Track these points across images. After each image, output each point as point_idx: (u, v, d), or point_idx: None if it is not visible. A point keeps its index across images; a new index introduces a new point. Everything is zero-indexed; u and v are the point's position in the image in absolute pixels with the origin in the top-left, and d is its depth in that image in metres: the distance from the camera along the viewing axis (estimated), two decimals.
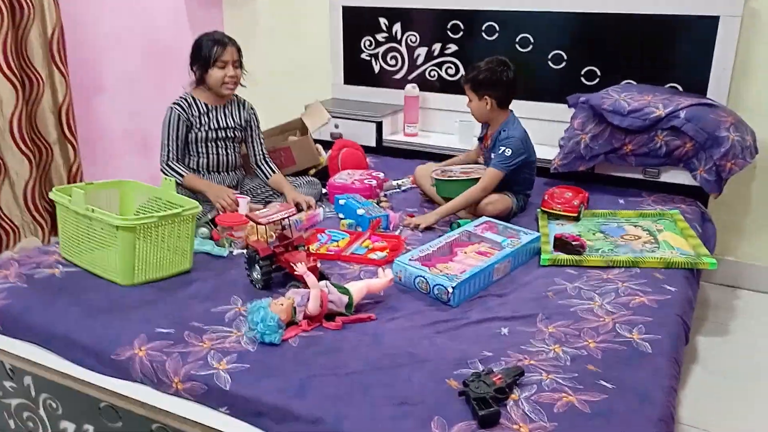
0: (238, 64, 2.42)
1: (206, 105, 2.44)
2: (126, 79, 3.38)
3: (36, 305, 1.74)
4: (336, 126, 3.28)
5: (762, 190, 2.85)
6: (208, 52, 2.35)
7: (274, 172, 2.56)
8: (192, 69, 2.42)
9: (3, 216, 2.84)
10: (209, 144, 2.45)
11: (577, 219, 2.40)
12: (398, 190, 2.80)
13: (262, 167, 2.57)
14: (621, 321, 1.68)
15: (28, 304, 1.74)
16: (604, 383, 1.40)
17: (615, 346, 1.56)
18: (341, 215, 2.45)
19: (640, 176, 2.72)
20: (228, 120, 2.48)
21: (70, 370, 1.62)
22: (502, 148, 2.39)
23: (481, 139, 2.64)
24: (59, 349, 1.64)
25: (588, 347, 1.56)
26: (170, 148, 2.40)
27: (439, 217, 2.35)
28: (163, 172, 2.39)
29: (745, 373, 2.30)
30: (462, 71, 3.24)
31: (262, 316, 1.56)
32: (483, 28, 3.14)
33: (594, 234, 2.28)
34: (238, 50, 2.43)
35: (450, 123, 3.27)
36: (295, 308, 1.64)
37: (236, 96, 2.52)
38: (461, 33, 3.20)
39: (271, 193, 2.53)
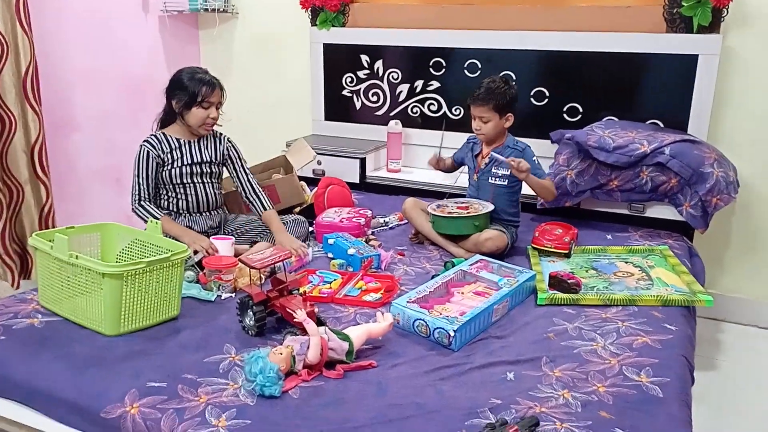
0: (220, 105, 2.39)
1: (178, 140, 2.37)
2: (100, 116, 3.30)
3: (16, 359, 1.63)
4: (319, 162, 3.24)
5: (742, 223, 2.90)
6: (196, 91, 2.30)
7: (266, 208, 2.46)
8: (170, 102, 2.36)
9: None
10: (186, 182, 2.37)
11: (568, 256, 2.39)
12: (386, 227, 2.76)
13: (254, 201, 2.47)
14: (627, 363, 1.65)
15: (7, 358, 1.64)
16: None
17: (625, 391, 1.53)
18: (331, 255, 2.40)
19: (625, 211, 2.74)
20: (203, 154, 2.40)
21: (55, 430, 1.51)
22: (528, 159, 2.42)
23: (476, 156, 2.59)
24: (42, 407, 1.54)
25: (598, 392, 1.52)
26: (141, 188, 2.32)
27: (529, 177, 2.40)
28: (136, 213, 2.31)
29: (741, 407, 2.30)
30: (445, 107, 3.25)
31: (260, 367, 1.49)
32: (465, 65, 3.16)
33: (587, 271, 2.27)
34: (223, 92, 2.38)
35: None
36: (294, 357, 1.57)
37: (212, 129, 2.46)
38: (443, 70, 3.22)
39: (256, 232, 2.45)
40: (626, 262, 2.34)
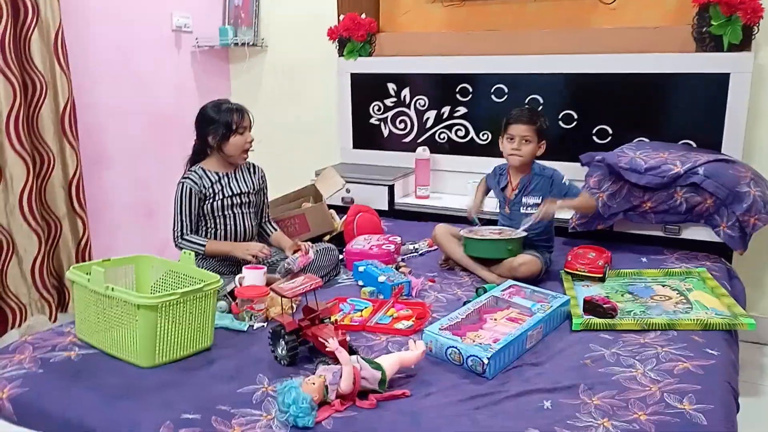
0: (251, 128, 2.45)
1: (217, 173, 2.42)
2: (132, 150, 3.38)
3: (52, 392, 1.65)
4: (348, 191, 3.26)
5: None
6: (229, 120, 2.35)
7: (275, 230, 2.61)
8: (204, 138, 2.40)
9: (9, 294, 2.76)
10: (226, 213, 2.42)
11: (602, 280, 2.35)
12: (415, 254, 2.75)
13: (266, 227, 2.61)
14: (668, 390, 1.60)
15: (44, 391, 1.65)
16: None
17: (667, 419, 1.48)
18: (361, 282, 2.39)
19: (660, 233, 2.69)
20: (241, 185, 2.46)
21: None
22: (558, 182, 2.43)
23: (503, 188, 2.58)
24: None
25: (639, 420, 1.48)
26: (184, 224, 2.36)
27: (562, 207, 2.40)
28: (180, 247, 2.34)
29: None
30: (472, 133, 3.25)
31: (293, 397, 1.48)
32: (492, 90, 3.16)
33: (622, 295, 2.22)
34: (251, 116, 2.45)
35: (460, 184, 3.26)
36: (327, 387, 1.56)
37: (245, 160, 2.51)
38: (470, 96, 3.23)
39: (279, 258, 2.47)
40: (663, 286, 2.28)
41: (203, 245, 2.34)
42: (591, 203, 2.48)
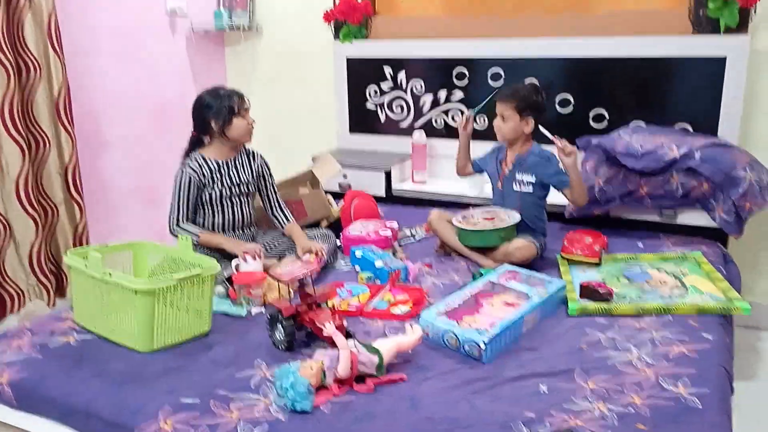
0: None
1: (217, 162, 2.41)
2: (129, 135, 3.36)
3: (52, 377, 1.66)
4: (345, 176, 3.25)
5: None
6: (230, 103, 2.34)
7: (288, 220, 2.54)
8: (205, 125, 2.39)
9: (7, 279, 2.76)
10: (224, 202, 2.41)
11: (598, 264, 2.35)
12: (412, 239, 2.76)
13: (278, 216, 2.55)
14: (664, 374, 1.62)
15: (44, 377, 1.67)
16: None
17: (662, 402, 1.49)
18: (358, 268, 2.40)
19: (656, 218, 2.69)
20: (241, 174, 2.45)
21: None
22: (554, 166, 2.41)
23: (499, 163, 2.58)
24: (79, 424, 1.56)
25: (634, 404, 1.49)
26: (181, 211, 2.35)
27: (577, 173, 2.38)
28: (174, 234, 2.34)
29: None
30: None
31: (291, 381, 1.50)
32: (488, 74, 3.15)
33: (618, 280, 2.23)
34: (247, 99, 2.44)
35: None
36: (324, 371, 1.57)
37: (244, 147, 2.50)
38: (466, 80, 3.22)
39: (285, 247, 2.47)
40: (659, 270, 2.29)
41: (197, 235, 2.33)
42: (585, 191, 2.46)
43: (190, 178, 2.35)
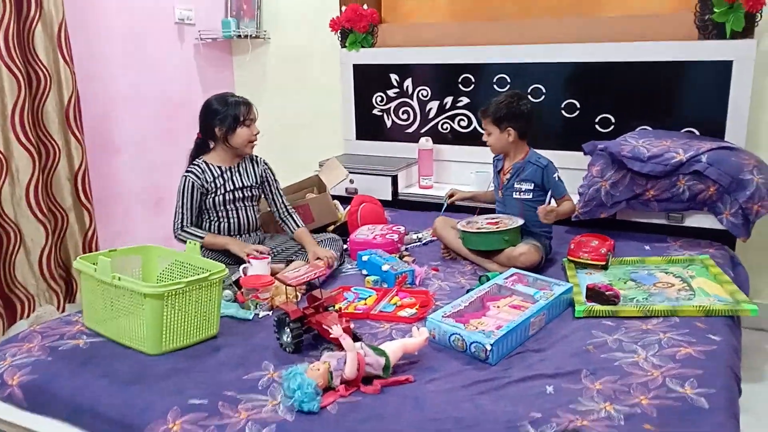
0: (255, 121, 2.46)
1: (219, 168, 2.43)
2: (138, 139, 3.40)
3: (61, 379, 1.67)
4: (351, 181, 3.27)
5: None
6: (236, 112, 2.36)
7: (298, 226, 2.54)
8: (209, 131, 2.41)
9: (18, 284, 2.79)
10: (228, 207, 2.43)
11: (605, 268, 2.35)
12: (419, 243, 2.77)
13: (287, 221, 2.55)
14: (670, 375, 1.61)
15: (53, 378, 1.68)
16: None
17: (669, 403, 1.49)
18: (365, 271, 2.41)
19: (663, 221, 2.69)
20: (244, 179, 2.46)
21: None
22: (549, 176, 2.44)
23: (498, 172, 2.61)
24: (87, 425, 1.57)
25: (641, 404, 1.49)
26: (185, 216, 2.38)
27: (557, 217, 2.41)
28: (179, 239, 2.37)
29: None
30: (475, 123, 3.26)
31: (299, 383, 1.50)
32: (494, 80, 3.17)
33: (625, 282, 2.23)
34: (256, 109, 2.46)
35: (464, 174, 3.27)
36: (331, 373, 1.58)
37: None
38: (472, 86, 3.23)
39: (292, 251, 2.49)
40: (666, 273, 2.29)
41: (202, 238, 2.35)
42: (572, 210, 2.50)
43: (192, 183, 2.37)
